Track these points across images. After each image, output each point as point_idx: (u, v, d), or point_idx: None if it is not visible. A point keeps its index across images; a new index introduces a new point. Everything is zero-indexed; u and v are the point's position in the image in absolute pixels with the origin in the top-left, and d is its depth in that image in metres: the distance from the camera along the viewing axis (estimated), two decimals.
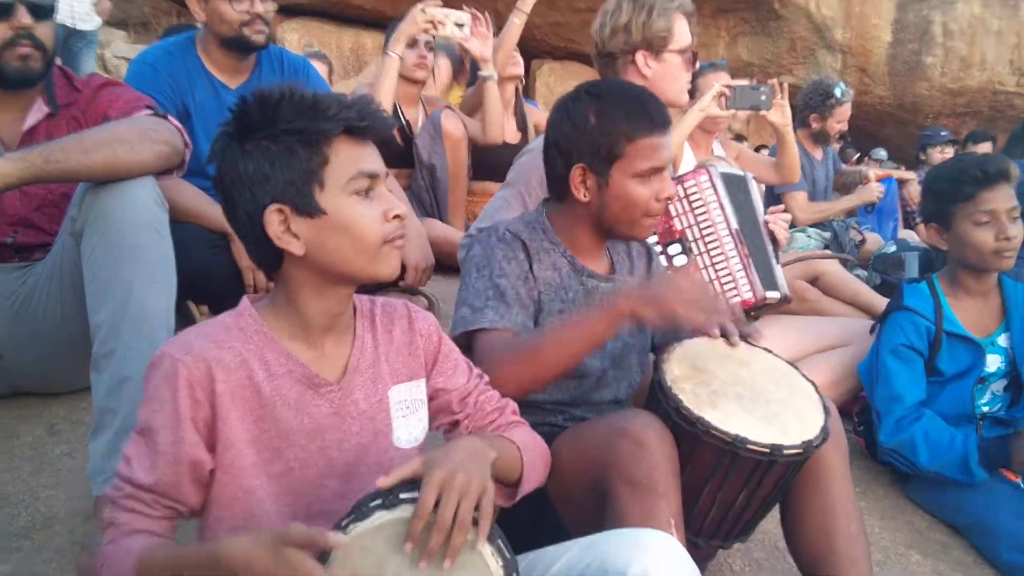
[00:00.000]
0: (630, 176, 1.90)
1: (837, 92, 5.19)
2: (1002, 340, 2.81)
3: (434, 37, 3.99)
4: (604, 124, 1.89)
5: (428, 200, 4.24)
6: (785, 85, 3.84)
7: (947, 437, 2.64)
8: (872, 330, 2.95)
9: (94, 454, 1.95)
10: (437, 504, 1.26)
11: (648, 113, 1.91)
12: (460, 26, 3.69)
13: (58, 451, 2.31)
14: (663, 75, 2.71)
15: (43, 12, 2.21)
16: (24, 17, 2.18)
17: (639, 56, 2.70)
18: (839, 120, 5.26)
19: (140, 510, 1.36)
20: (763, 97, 3.71)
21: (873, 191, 5.23)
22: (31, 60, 2.21)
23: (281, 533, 1.20)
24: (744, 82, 3.85)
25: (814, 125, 5.29)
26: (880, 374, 2.79)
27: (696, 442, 1.67)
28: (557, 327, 1.83)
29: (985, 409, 2.82)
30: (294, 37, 9.18)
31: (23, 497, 2.12)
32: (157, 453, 1.35)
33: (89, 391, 2.01)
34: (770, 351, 1.92)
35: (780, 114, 3.83)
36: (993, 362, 2.79)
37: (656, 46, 2.69)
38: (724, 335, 1.84)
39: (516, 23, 4.25)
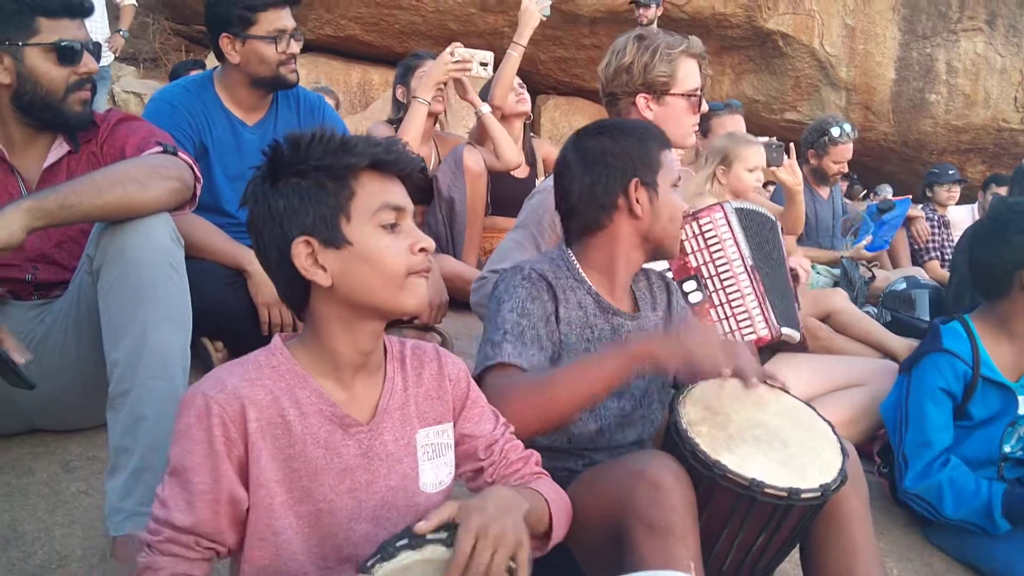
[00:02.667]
0: (670, 184, 2.02)
1: (834, 131, 5.20)
2: None
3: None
4: (645, 139, 2.02)
5: (444, 234, 4.27)
6: (792, 146, 3.94)
7: (972, 485, 2.62)
8: (902, 369, 2.89)
9: (110, 494, 1.94)
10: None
11: (661, 131, 2.10)
12: (484, 65, 3.74)
13: (74, 488, 2.30)
14: (665, 118, 2.68)
15: (98, 55, 2.29)
16: (91, 63, 2.24)
17: (640, 99, 2.70)
18: (836, 160, 5.28)
19: (180, 553, 1.36)
20: (775, 154, 3.82)
21: (861, 255, 5.12)
22: (87, 105, 2.27)
23: None
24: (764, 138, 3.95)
25: (811, 161, 5.34)
26: (912, 418, 2.75)
27: (713, 486, 1.66)
28: (573, 366, 1.83)
29: (1007, 450, 2.79)
30: (302, 73, 9.22)
31: (39, 535, 2.11)
32: (194, 494, 1.36)
33: (105, 428, 2.01)
34: (787, 391, 1.92)
35: (790, 173, 3.91)
36: (1023, 404, 2.76)
37: (657, 89, 2.69)
38: (739, 376, 1.81)
39: (514, 56, 4.32)
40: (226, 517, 1.38)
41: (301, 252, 1.39)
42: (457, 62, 3.73)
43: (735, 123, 4.51)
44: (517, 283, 1.95)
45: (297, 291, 1.44)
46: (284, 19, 2.91)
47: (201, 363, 2.76)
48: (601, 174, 1.99)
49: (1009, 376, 2.76)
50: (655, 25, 6.08)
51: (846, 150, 5.28)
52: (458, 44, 3.85)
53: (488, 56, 3.76)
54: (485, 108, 4.25)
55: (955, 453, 2.75)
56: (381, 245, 1.41)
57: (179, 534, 1.36)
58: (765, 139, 4.10)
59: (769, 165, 3.84)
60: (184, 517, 1.36)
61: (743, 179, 3.79)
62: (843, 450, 1.77)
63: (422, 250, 1.44)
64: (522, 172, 4.72)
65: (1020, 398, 2.75)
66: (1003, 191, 6.64)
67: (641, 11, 6.44)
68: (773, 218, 2.86)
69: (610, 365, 1.77)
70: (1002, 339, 2.78)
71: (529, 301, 1.92)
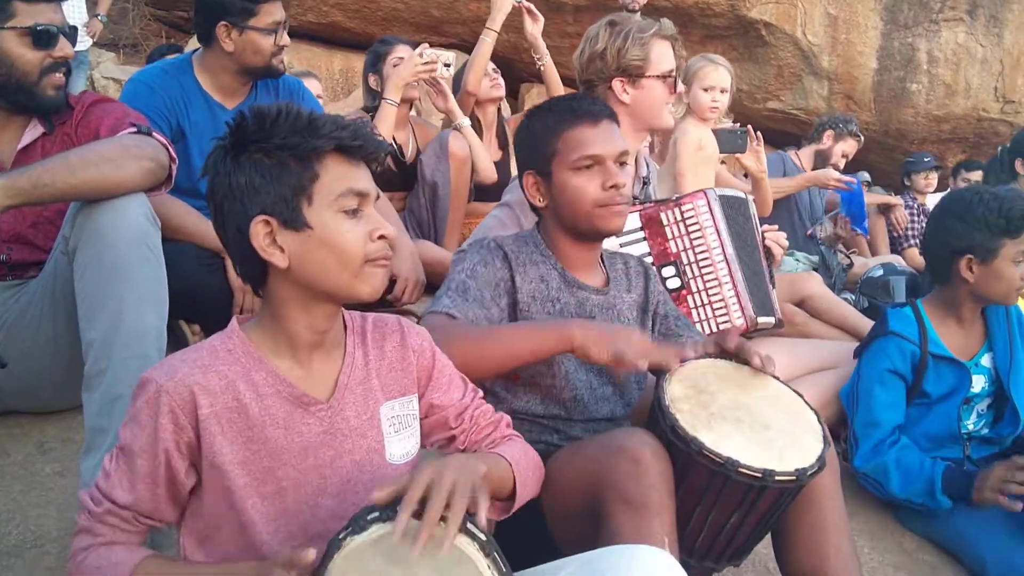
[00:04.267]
0: (568, 169, 1.98)
1: (854, 127, 5.55)
2: (985, 360, 2.84)
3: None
4: (535, 126, 2.03)
5: (427, 218, 4.30)
6: (759, 134, 3.96)
7: (917, 464, 2.66)
8: (855, 355, 2.96)
9: (85, 474, 1.95)
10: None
11: (572, 107, 2.01)
12: (448, 66, 3.83)
13: (49, 470, 2.30)
14: (641, 100, 2.73)
15: (74, 39, 2.29)
16: (66, 47, 2.24)
17: (616, 83, 2.73)
18: (846, 150, 5.50)
19: (118, 525, 1.40)
20: (739, 141, 3.85)
21: (828, 176, 5.16)
22: (60, 89, 2.26)
23: (267, 563, 1.26)
24: (728, 123, 3.96)
25: (826, 140, 5.53)
26: (861, 399, 2.81)
27: (689, 462, 1.67)
28: (510, 327, 1.88)
29: (971, 427, 2.84)
30: (285, 59, 9.18)
31: (13, 516, 2.11)
32: (136, 475, 1.38)
33: (80, 410, 2.01)
34: (777, 378, 1.91)
35: (755, 159, 3.94)
36: (978, 382, 2.81)
37: (632, 73, 2.71)
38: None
39: (487, 41, 4.39)
40: (164, 498, 1.41)
41: (259, 231, 1.38)
42: (426, 63, 3.80)
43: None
44: (474, 251, 2.00)
45: (254, 269, 1.43)
46: (280, 11, 2.95)
47: (178, 346, 2.75)
48: (519, 161, 2.08)
49: (960, 356, 2.80)
50: (639, 15, 6.11)
51: (856, 147, 5.58)
52: (426, 45, 3.95)
53: (451, 57, 3.87)
54: (465, 121, 4.31)
55: (916, 430, 2.79)
56: (342, 230, 1.40)
57: (118, 509, 1.39)
58: (729, 125, 4.14)
59: (732, 152, 3.87)
60: (124, 495, 1.39)
61: (698, 97, 3.85)
62: (825, 438, 1.77)
63: (381, 237, 1.43)
64: (495, 156, 4.73)
65: (974, 376, 2.80)
66: (975, 176, 6.76)
67: None
68: (745, 196, 2.87)
69: (542, 338, 1.80)
70: (950, 322, 2.84)
71: (481, 265, 1.96)
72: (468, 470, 1.35)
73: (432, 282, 3.38)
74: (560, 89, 4.78)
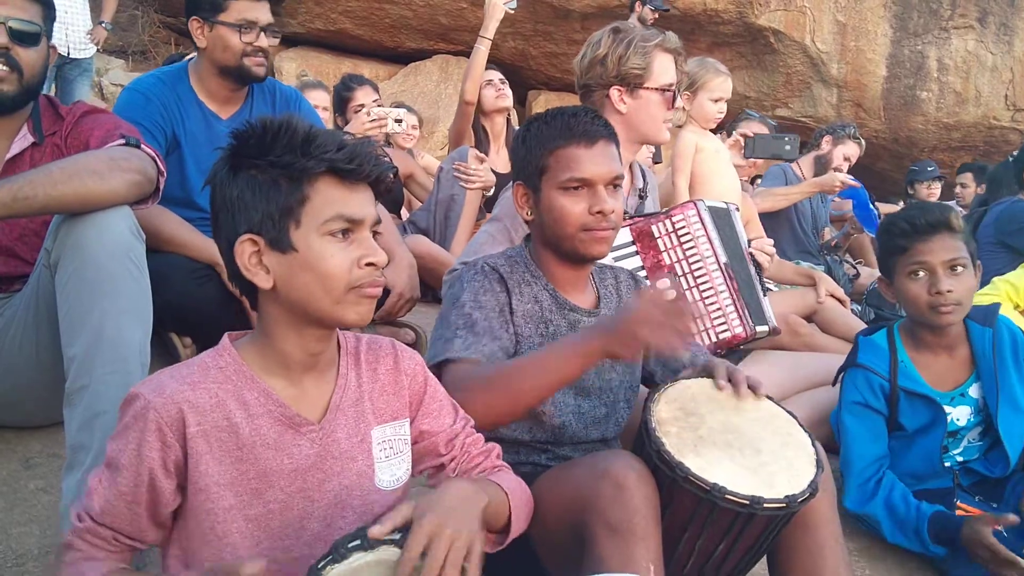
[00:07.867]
0: (555, 188, 1.92)
1: (853, 130, 5.53)
2: (973, 391, 2.64)
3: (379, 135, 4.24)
4: (530, 139, 1.96)
5: (432, 227, 4.43)
6: None
7: (903, 510, 2.50)
8: (833, 382, 2.81)
9: (67, 491, 1.91)
10: (424, 553, 1.26)
11: (568, 124, 1.92)
12: (399, 122, 3.88)
13: (32, 486, 2.27)
14: (638, 111, 2.71)
15: (25, 38, 2.17)
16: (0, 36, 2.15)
17: (613, 91, 2.71)
18: (847, 153, 5.43)
19: (98, 544, 1.37)
20: (787, 147, 3.79)
21: (834, 180, 5.11)
22: (4, 83, 2.16)
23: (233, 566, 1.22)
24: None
25: (824, 146, 5.48)
26: (840, 433, 2.66)
27: (675, 488, 1.62)
28: (532, 358, 1.82)
29: (960, 459, 2.68)
30: (292, 67, 9.20)
31: None
32: (118, 493, 1.35)
33: None
34: (771, 398, 1.86)
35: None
36: (963, 414, 2.63)
37: (631, 82, 2.69)
38: (732, 382, 1.80)
39: (481, 50, 4.49)
40: (145, 518, 1.37)
41: (245, 250, 1.36)
42: (373, 121, 3.87)
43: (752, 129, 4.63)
44: (470, 278, 1.94)
45: (243, 286, 1.41)
46: (257, 11, 2.89)
47: (169, 359, 2.73)
48: (512, 169, 2.07)
49: (940, 386, 2.62)
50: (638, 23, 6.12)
51: (857, 151, 5.52)
52: (375, 104, 4.17)
53: (401, 113, 3.96)
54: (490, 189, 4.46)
55: (899, 467, 2.63)
56: (325, 255, 1.36)
57: (98, 527, 1.37)
58: (786, 135, 4.13)
59: (777, 158, 3.83)
60: (104, 514, 1.36)
61: (706, 107, 3.81)
62: (819, 462, 1.72)
63: (369, 264, 1.39)
64: (505, 167, 4.73)
65: (958, 408, 2.62)
66: (967, 177, 6.73)
67: (648, 11, 6.50)
68: (727, 207, 2.83)
69: (568, 360, 1.74)
70: (923, 348, 2.66)
71: (482, 293, 1.91)
72: (469, 517, 1.34)
73: (423, 277, 3.36)
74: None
